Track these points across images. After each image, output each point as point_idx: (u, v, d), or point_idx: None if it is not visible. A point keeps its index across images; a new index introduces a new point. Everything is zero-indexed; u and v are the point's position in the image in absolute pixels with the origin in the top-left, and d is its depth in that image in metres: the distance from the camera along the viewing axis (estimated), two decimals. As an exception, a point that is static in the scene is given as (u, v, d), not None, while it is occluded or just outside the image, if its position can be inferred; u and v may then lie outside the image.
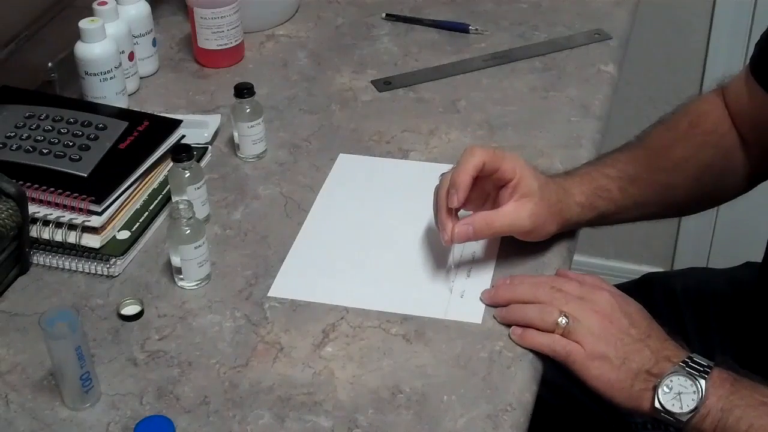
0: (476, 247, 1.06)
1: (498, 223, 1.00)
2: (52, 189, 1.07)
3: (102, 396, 0.91)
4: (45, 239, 1.06)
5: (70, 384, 0.89)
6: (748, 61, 1.11)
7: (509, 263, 1.04)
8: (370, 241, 1.08)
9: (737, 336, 1.18)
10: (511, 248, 1.05)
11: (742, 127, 1.11)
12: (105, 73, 1.24)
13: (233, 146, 1.22)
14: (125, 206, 1.09)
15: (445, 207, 0.99)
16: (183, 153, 1.07)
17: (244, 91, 1.17)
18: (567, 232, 1.07)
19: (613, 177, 1.08)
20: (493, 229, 1.00)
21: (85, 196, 1.06)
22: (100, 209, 1.06)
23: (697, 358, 0.93)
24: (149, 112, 1.21)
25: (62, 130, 1.14)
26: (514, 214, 1.00)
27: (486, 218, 1.00)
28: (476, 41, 1.42)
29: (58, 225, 1.06)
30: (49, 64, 1.28)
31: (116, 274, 1.05)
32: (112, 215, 1.07)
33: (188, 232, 1.00)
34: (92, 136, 1.14)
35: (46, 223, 1.06)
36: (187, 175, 1.07)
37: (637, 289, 1.28)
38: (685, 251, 2.25)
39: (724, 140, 1.12)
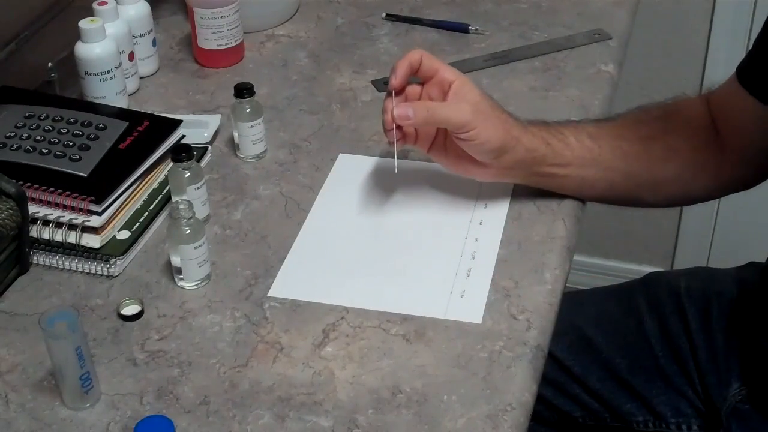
0: (476, 247, 1.06)
1: (438, 109, 1.02)
2: (52, 189, 1.07)
3: (102, 396, 0.91)
4: (45, 239, 1.06)
5: (70, 384, 0.89)
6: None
7: (509, 263, 1.04)
8: (369, 241, 1.08)
9: (741, 336, 1.18)
10: (511, 248, 1.06)
11: (725, 131, 1.10)
12: (105, 73, 1.24)
13: (233, 146, 1.22)
14: (125, 206, 1.09)
15: (388, 97, 1.03)
16: (183, 153, 1.07)
17: (244, 91, 1.17)
18: (566, 231, 1.07)
19: (571, 128, 1.09)
20: (433, 115, 1.02)
21: (85, 196, 1.06)
22: (100, 209, 1.06)
23: None
24: (149, 112, 1.21)
25: (62, 130, 1.14)
26: (455, 104, 1.02)
27: (426, 103, 1.04)
28: (476, 41, 1.42)
29: (58, 225, 1.06)
30: (49, 64, 1.28)
31: (116, 274, 1.05)
32: (112, 215, 1.07)
33: (188, 232, 1.00)
34: (92, 136, 1.14)
35: (46, 223, 1.06)
36: (187, 175, 1.07)
37: (641, 288, 1.28)
38: (686, 251, 2.25)
39: (697, 134, 1.11)
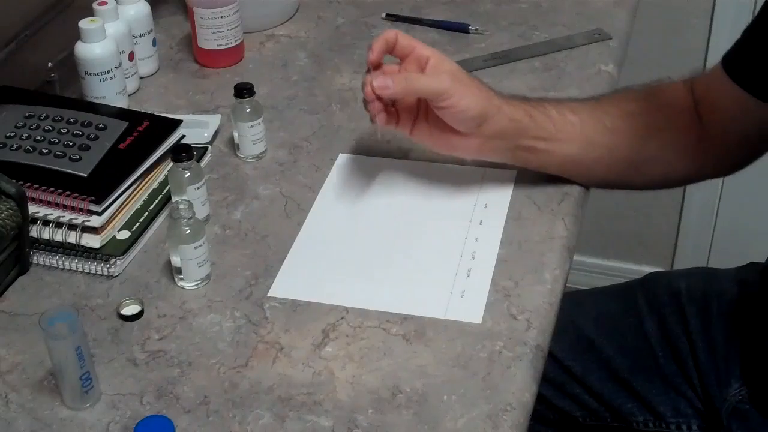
0: (476, 247, 1.06)
1: (417, 78, 1.03)
2: (52, 189, 1.07)
3: (102, 396, 0.91)
4: (45, 239, 1.06)
5: (70, 384, 0.89)
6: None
7: (509, 263, 1.04)
8: (370, 242, 1.08)
9: (741, 336, 1.18)
10: (511, 248, 1.06)
11: (708, 116, 1.10)
12: (105, 73, 1.24)
13: (233, 146, 1.22)
14: (125, 206, 1.09)
15: (367, 74, 1.04)
16: (183, 153, 1.07)
17: (244, 91, 1.17)
18: (566, 231, 1.08)
19: (553, 103, 1.10)
20: (412, 84, 1.02)
21: (85, 196, 1.06)
22: (100, 209, 1.06)
23: None
24: (149, 112, 1.21)
25: (62, 130, 1.14)
26: (432, 75, 1.03)
27: (405, 74, 1.04)
28: (476, 41, 1.42)
29: (58, 225, 1.06)
30: (49, 64, 1.28)
31: (116, 274, 1.05)
32: (112, 215, 1.07)
33: (188, 232, 1.00)
34: (92, 136, 1.14)
35: (46, 223, 1.06)
36: (187, 175, 1.07)
37: (641, 289, 1.28)
38: (686, 251, 2.25)
39: (679, 116, 1.11)
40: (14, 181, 1.02)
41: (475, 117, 1.03)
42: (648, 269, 1.49)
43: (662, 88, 1.15)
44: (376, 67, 1.05)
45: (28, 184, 1.07)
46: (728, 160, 1.14)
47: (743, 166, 1.16)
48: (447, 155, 1.12)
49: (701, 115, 1.11)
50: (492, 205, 1.11)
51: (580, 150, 1.09)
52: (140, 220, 1.09)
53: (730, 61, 1.08)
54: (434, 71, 1.04)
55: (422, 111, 1.07)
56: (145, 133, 1.15)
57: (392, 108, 1.07)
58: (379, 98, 1.02)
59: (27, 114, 1.17)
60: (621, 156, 1.10)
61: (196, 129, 1.21)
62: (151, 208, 1.11)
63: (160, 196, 1.12)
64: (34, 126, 1.15)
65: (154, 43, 1.36)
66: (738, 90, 1.06)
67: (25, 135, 1.14)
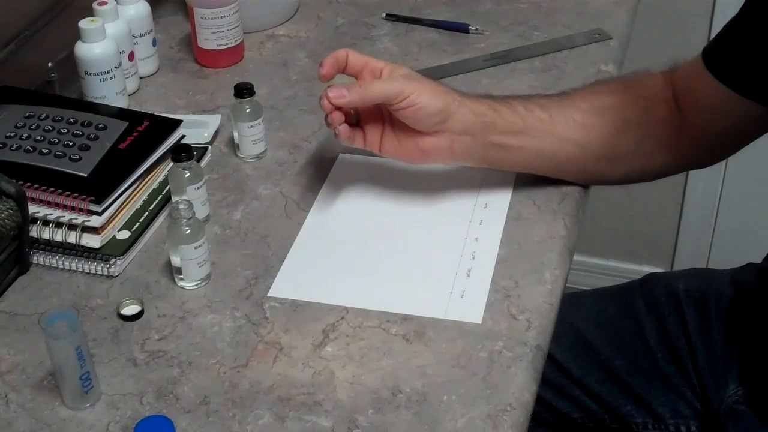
0: (476, 247, 1.06)
1: (372, 84, 1.03)
2: (52, 189, 1.07)
3: (102, 396, 0.92)
4: (45, 239, 1.06)
5: (70, 384, 0.89)
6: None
7: (509, 263, 1.04)
8: (370, 242, 1.08)
9: (740, 337, 1.18)
10: (511, 248, 1.06)
11: (686, 109, 1.10)
12: (105, 73, 1.24)
13: (233, 146, 1.22)
14: (125, 206, 1.09)
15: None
16: (183, 153, 1.07)
17: (244, 91, 1.17)
18: (566, 231, 1.08)
19: (519, 99, 1.09)
20: (367, 90, 1.02)
21: (85, 196, 1.06)
22: (100, 209, 1.06)
23: None
24: (149, 112, 1.21)
25: (62, 130, 1.14)
26: (387, 79, 1.04)
27: (360, 82, 1.04)
28: (476, 41, 1.42)
29: (58, 225, 1.06)
30: (49, 64, 1.28)
31: (116, 274, 1.05)
32: (112, 215, 1.07)
33: (188, 232, 1.00)
34: (92, 136, 1.14)
35: (46, 223, 1.06)
36: (187, 175, 1.07)
37: (640, 289, 1.28)
38: (686, 251, 2.25)
39: (657, 109, 1.10)
40: (14, 181, 1.02)
41: (436, 112, 1.03)
42: (648, 269, 1.50)
43: (639, 79, 1.14)
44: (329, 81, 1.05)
45: (28, 184, 1.07)
46: (709, 152, 1.13)
47: (725, 157, 1.15)
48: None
49: (681, 108, 1.10)
50: (492, 205, 1.12)
51: (551, 146, 1.08)
52: (140, 220, 1.09)
53: (710, 56, 1.07)
54: (389, 76, 1.04)
55: (387, 123, 1.07)
56: (145, 133, 1.15)
57: (358, 127, 1.06)
58: (339, 109, 1.02)
59: (27, 114, 1.17)
60: (594, 151, 1.09)
61: (196, 129, 1.21)
62: (151, 208, 1.11)
63: (160, 196, 1.12)
64: (34, 126, 1.15)
65: (154, 43, 1.36)
66: (719, 85, 1.05)
67: (25, 135, 1.14)
